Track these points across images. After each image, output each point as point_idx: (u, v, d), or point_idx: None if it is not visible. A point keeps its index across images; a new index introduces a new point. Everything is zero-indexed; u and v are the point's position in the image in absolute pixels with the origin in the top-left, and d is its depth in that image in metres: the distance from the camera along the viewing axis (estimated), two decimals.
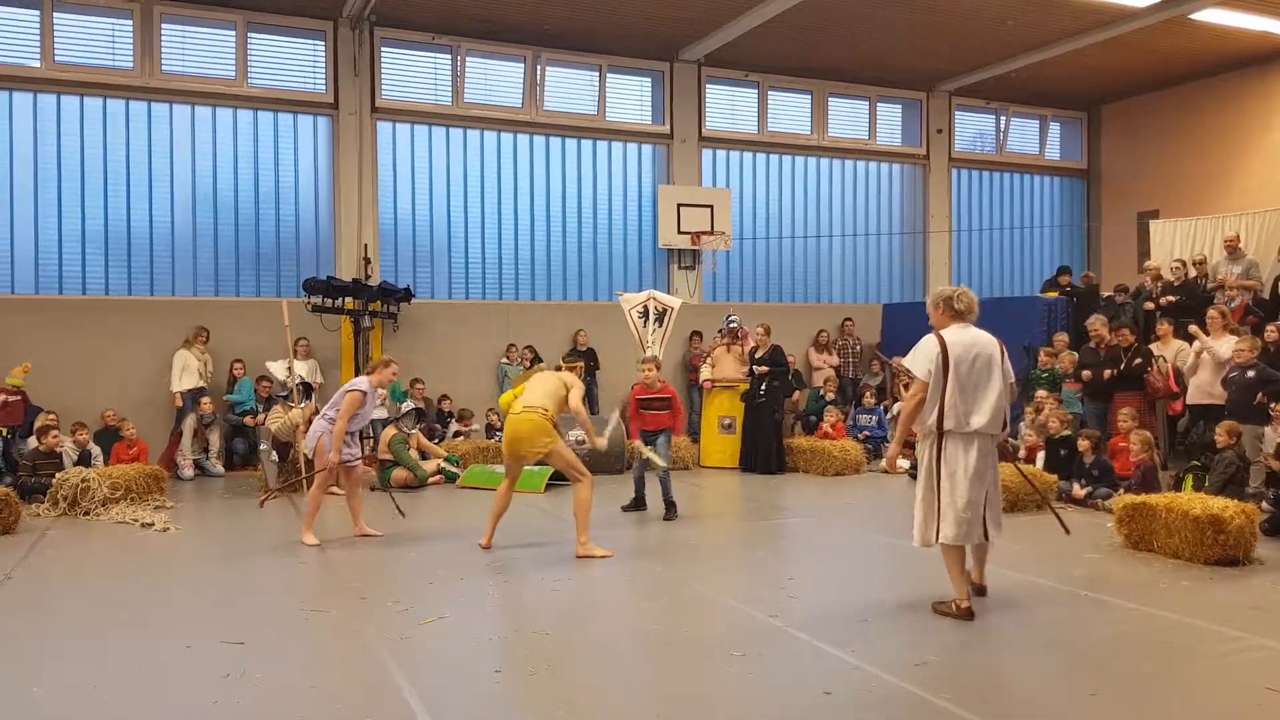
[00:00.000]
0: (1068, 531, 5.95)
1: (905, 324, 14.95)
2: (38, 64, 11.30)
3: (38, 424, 9.81)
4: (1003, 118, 16.80)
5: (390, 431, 10.24)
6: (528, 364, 7.87)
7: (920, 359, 5.14)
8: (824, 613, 5.36)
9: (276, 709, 3.98)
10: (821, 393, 13.01)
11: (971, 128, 16.78)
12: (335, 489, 8.43)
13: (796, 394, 13.01)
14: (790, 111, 15.37)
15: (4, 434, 9.82)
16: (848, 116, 15.82)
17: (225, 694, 4.12)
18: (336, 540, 7.42)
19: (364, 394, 7.30)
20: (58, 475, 8.84)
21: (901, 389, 13.16)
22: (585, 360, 13.28)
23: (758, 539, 7.66)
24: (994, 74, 14.97)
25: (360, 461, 7.62)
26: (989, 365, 5.16)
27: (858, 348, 14.74)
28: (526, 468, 10.31)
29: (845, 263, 15.89)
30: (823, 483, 10.48)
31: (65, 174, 11.53)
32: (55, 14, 11.30)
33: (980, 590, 5.57)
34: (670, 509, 8.20)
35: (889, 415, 12.69)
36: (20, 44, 11.27)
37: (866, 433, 12.18)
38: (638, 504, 8.47)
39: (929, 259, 16.36)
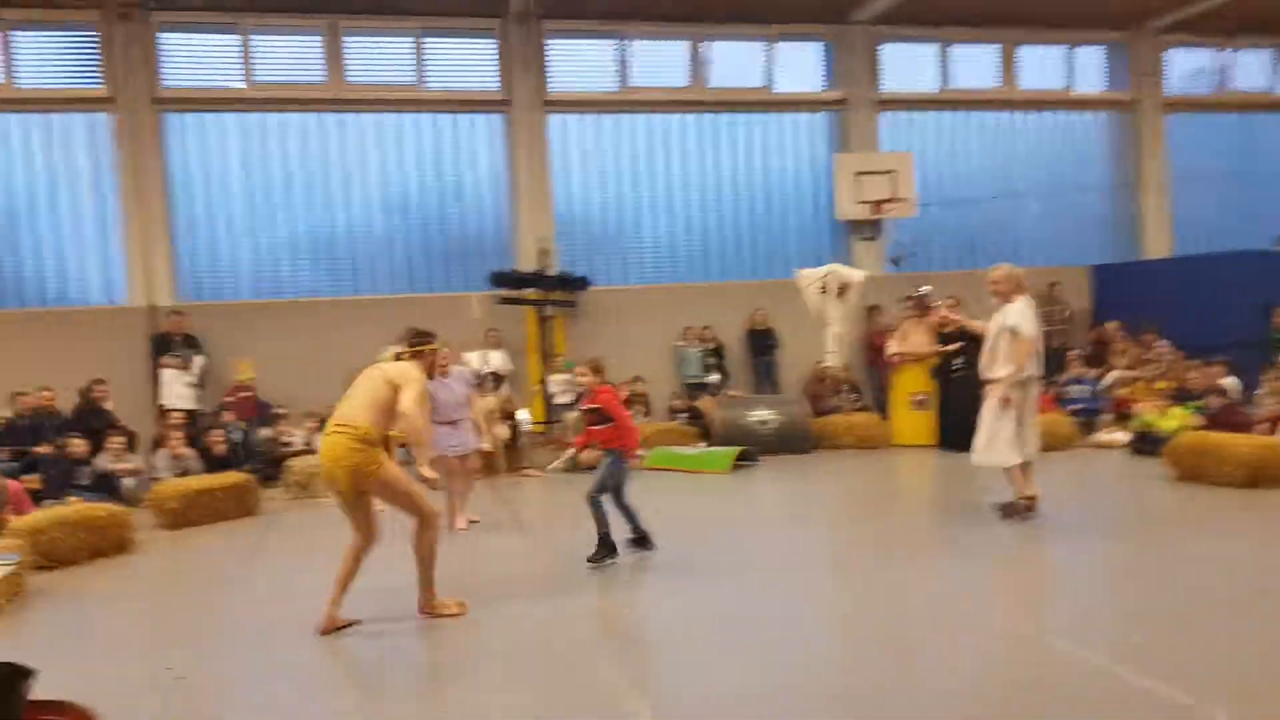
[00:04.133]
0: None
1: (1119, 286, 13.79)
2: (242, 85, 12.22)
3: (271, 415, 10.67)
4: (1224, 53, 15.11)
5: (574, 415, 10.43)
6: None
7: (1028, 322, 6.61)
8: (1026, 594, 4.97)
9: (482, 679, 4.10)
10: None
11: (1187, 67, 15.20)
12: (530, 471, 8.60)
13: None
14: (975, 65, 14.45)
15: (241, 426, 10.69)
16: (1041, 66, 14.70)
17: (434, 663, 4.27)
18: (536, 521, 7.60)
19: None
20: (288, 462, 9.56)
21: (1117, 355, 12.18)
22: (763, 340, 13.02)
23: (954, 520, 7.17)
24: (1212, 4, 13.46)
25: (469, 450, 7.54)
26: None
27: (1065, 313, 13.69)
28: (701, 449, 10.37)
29: (1046, 223, 14.79)
30: None
31: (273, 187, 12.42)
32: (252, 36, 12.18)
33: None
34: (602, 546, 6.06)
35: (1102, 386, 11.71)
36: (225, 68, 12.21)
37: (1077, 405, 11.25)
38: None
39: (1143, 214, 14.97)
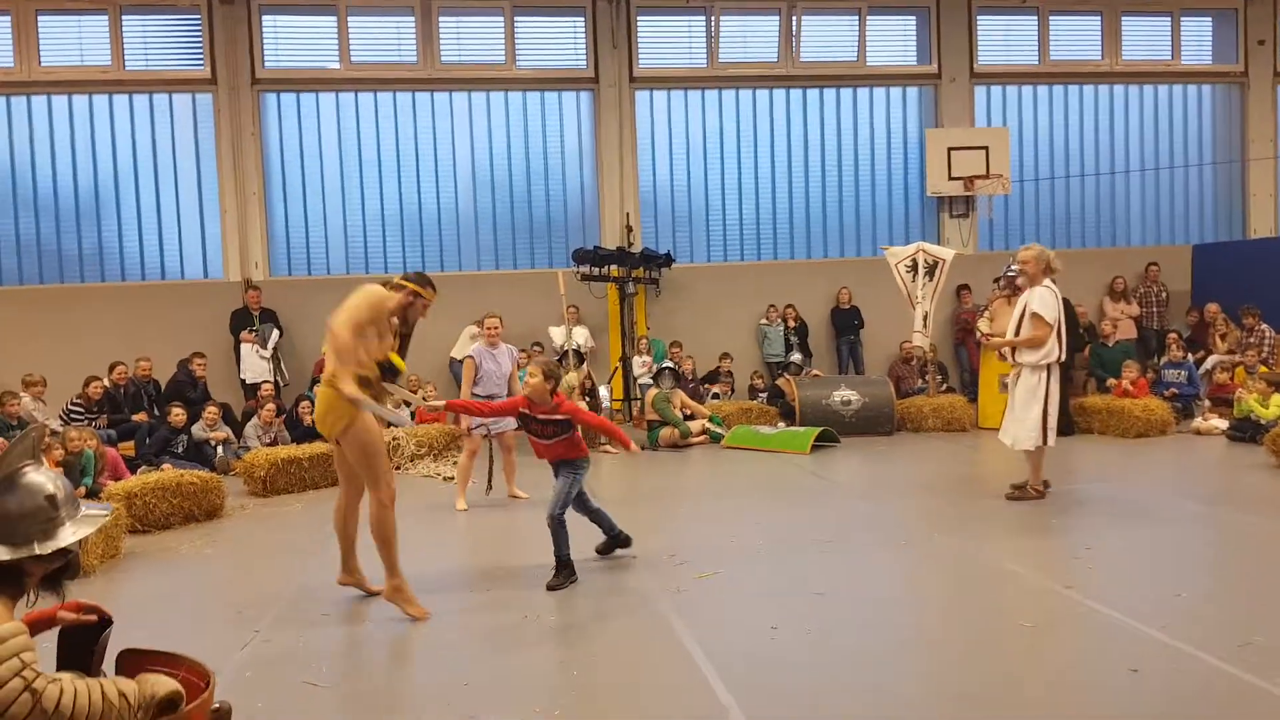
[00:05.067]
0: None
1: (1221, 266, 13.22)
2: (337, 65, 12.52)
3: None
4: None
5: (653, 391, 10.49)
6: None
7: (1050, 308, 6.68)
8: (1127, 585, 4.83)
9: (568, 648, 4.23)
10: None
11: None
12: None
13: (1087, 348, 11.87)
14: (1076, 37, 13.95)
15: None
16: (1145, 36, 14.12)
17: (522, 631, 4.45)
18: (615, 496, 7.70)
19: (471, 359, 7.49)
20: None
21: (1218, 339, 11.72)
22: (847, 319, 12.88)
23: (1046, 505, 7.03)
24: None
25: (506, 428, 7.58)
26: None
27: (1163, 295, 13.21)
28: (780, 429, 10.30)
29: (1146, 201, 14.26)
30: (1122, 445, 9.47)
31: (365, 164, 12.71)
32: (350, 18, 12.45)
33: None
34: (561, 570, 5.25)
35: (1201, 370, 11.27)
36: (321, 49, 12.52)
37: (1174, 389, 10.86)
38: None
39: (1249, 191, 14.29)
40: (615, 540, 5.74)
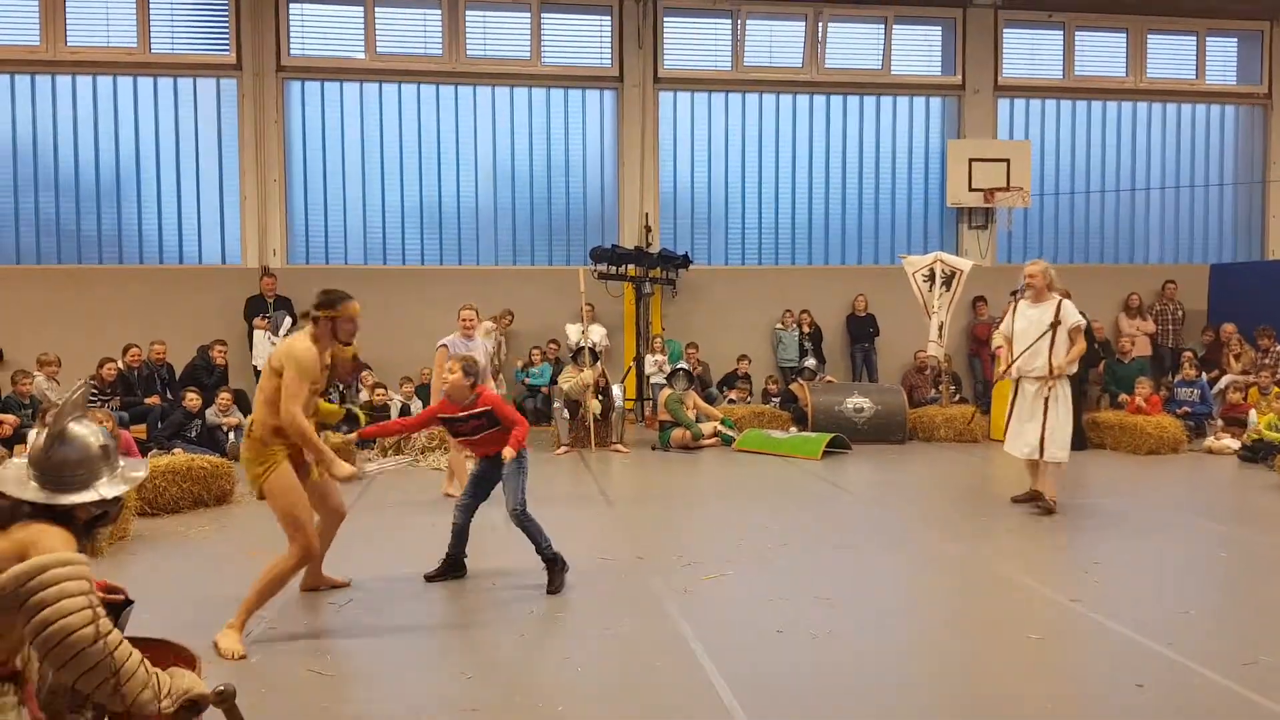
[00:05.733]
0: None
1: (1238, 286, 13.17)
2: (362, 55, 12.58)
3: (365, 380, 11.04)
4: None
5: (666, 392, 10.50)
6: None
7: (1078, 317, 6.87)
8: (1135, 600, 4.83)
9: (573, 647, 4.24)
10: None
11: None
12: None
13: (1102, 364, 11.84)
14: (1101, 53, 13.93)
15: (339, 389, 11.08)
16: (1170, 55, 14.08)
17: (528, 627, 4.47)
18: (624, 496, 7.71)
19: (445, 348, 7.39)
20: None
21: (1232, 359, 11.67)
22: (863, 326, 12.87)
23: (1056, 519, 7.02)
24: None
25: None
26: None
27: (1179, 313, 13.16)
28: (792, 434, 10.32)
29: (1165, 218, 14.22)
30: (1134, 461, 9.46)
31: (386, 155, 12.76)
32: (376, 8, 12.50)
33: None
34: (553, 568, 5.12)
35: (1215, 390, 11.22)
36: (347, 38, 12.57)
37: (1186, 408, 10.83)
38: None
39: (1269, 213, 14.23)
40: (452, 564, 5.31)
